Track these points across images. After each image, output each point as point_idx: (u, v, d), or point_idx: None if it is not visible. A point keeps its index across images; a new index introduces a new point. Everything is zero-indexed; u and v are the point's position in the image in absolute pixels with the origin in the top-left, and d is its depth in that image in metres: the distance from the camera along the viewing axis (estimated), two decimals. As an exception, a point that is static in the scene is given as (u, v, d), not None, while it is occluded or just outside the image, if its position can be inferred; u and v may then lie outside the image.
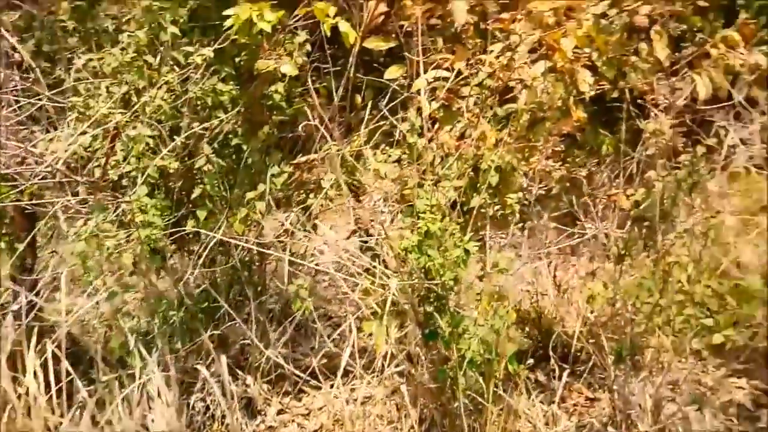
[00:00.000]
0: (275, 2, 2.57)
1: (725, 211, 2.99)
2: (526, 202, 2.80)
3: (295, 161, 2.89)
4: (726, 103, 3.08)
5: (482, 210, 2.67)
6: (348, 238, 3.21)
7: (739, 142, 2.99)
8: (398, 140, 2.79)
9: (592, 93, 2.77)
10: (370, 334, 2.68)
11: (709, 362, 3.02)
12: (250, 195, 2.74)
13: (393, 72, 2.81)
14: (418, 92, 2.72)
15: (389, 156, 2.76)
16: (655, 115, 2.77)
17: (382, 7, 2.72)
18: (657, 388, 2.73)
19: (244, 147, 2.77)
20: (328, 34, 2.62)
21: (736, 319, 2.55)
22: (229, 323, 2.95)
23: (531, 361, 2.72)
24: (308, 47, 2.73)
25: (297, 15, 2.70)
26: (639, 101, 2.93)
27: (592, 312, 2.97)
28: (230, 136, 2.77)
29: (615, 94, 2.88)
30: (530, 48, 2.73)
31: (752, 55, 3.04)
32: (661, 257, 2.63)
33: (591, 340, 2.94)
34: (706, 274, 2.73)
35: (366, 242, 2.99)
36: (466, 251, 2.52)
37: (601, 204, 3.16)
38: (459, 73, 2.80)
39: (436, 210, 2.51)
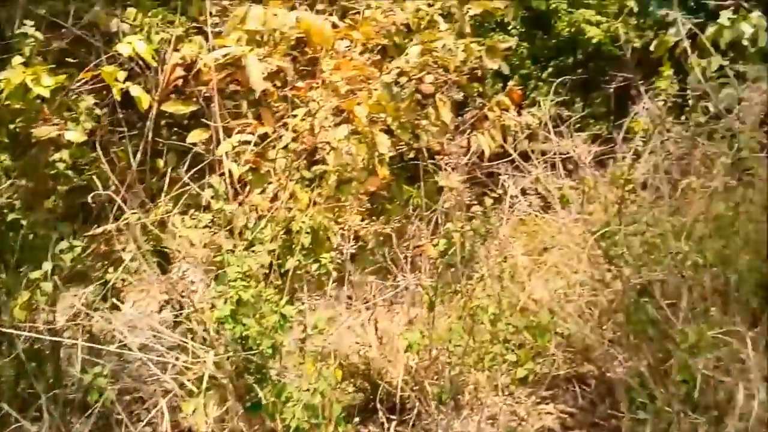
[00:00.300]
0: (54, 66, 2.29)
1: (516, 253, 3.23)
2: (340, 261, 2.75)
3: (89, 233, 2.54)
4: (507, 159, 3.39)
5: (298, 272, 2.57)
6: (159, 312, 2.89)
7: (520, 192, 3.29)
8: (208, 204, 2.60)
9: (393, 153, 2.85)
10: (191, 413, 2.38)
11: (521, 393, 3.15)
12: (33, 275, 2.33)
13: (196, 136, 2.64)
14: (225, 155, 2.58)
15: (199, 221, 2.55)
16: (448, 172, 2.93)
17: (179, 71, 2.57)
18: (477, 424, 2.76)
19: (24, 222, 2.37)
20: (119, 98, 2.39)
21: (536, 352, 2.69)
22: (16, 425, 2.44)
23: (358, 419, 2.61)
24: (98, 112, 2.46)
25: (82, 78, 2.43)
26: (432, 160, 3.09)
27: (414, 360, 2.96)
28: (5, 210, 2.35)
29: (412, 154, 3.00)
30: (333, 112, 2.76)
31: (523, 116, 3.40)
32: (467, 301, 2.72)
33: (415, 387, 2.91)
34: (507, 312, 2.88)
35: (179, 315, 2.70)
36: (284, 316, 2.37)
37: (412, 255, 3.23)
38: (266, 136, 2.72)
39: (249, 276, 2.34)
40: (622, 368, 2.79)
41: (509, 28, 4.77)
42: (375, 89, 2.66)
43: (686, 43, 3.64)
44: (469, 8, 3.00)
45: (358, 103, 2.65)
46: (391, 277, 3.16)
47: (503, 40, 3.68)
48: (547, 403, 3.17)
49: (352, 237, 2.96)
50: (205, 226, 2.55)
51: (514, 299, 3.02)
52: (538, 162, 3.39)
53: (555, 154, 3.44)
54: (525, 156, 3.47)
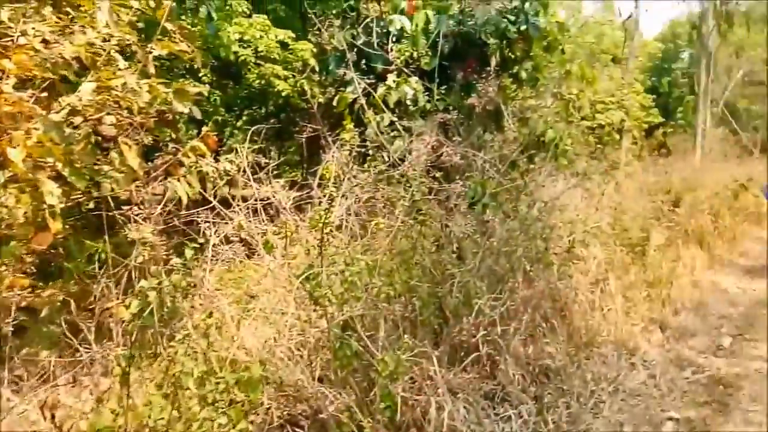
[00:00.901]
0: None
1: (223, 303, 2.97)
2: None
3: None
4: (206, 206, 3.13)
5: None
6: None
7: (223, 239, 3.06)
8: None
9: (67, 204, 2.33)
10: None
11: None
12: None
13: None
14: None
15: None
16: (138, 222, 2.53)
17: None
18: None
19: None
20: None
21: (248, 409, 2.45)
22: None
23: None
24: None
25: None
26: (120, 210, 2.64)
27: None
28: None
29: (93, 204, 2.51)
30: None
31: (221, 163, 3.20)
32: (168, 365, 2.34)
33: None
34: (216, 368, 2.59)
35: None
36: None
37: (99, 320, 2.69)
38: None
39: None
40: (332, 405, 2.76)
41: (200, 75, 4.58)
42: (36, 128, 2.12)
43: (362, 101, 4.01)
44: (152, 48, 2.69)
45: (14, 146, 2.08)
46: (70, 349, 2.57)
47: (193, 85, 3.45)
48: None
49: (15, 308, 2.33)
50: None
51: (223, 353, 2.75)
52: (240, 208, 3.23)
53: (256, 200, 3.32)
54: (226, 202, 3.27)
